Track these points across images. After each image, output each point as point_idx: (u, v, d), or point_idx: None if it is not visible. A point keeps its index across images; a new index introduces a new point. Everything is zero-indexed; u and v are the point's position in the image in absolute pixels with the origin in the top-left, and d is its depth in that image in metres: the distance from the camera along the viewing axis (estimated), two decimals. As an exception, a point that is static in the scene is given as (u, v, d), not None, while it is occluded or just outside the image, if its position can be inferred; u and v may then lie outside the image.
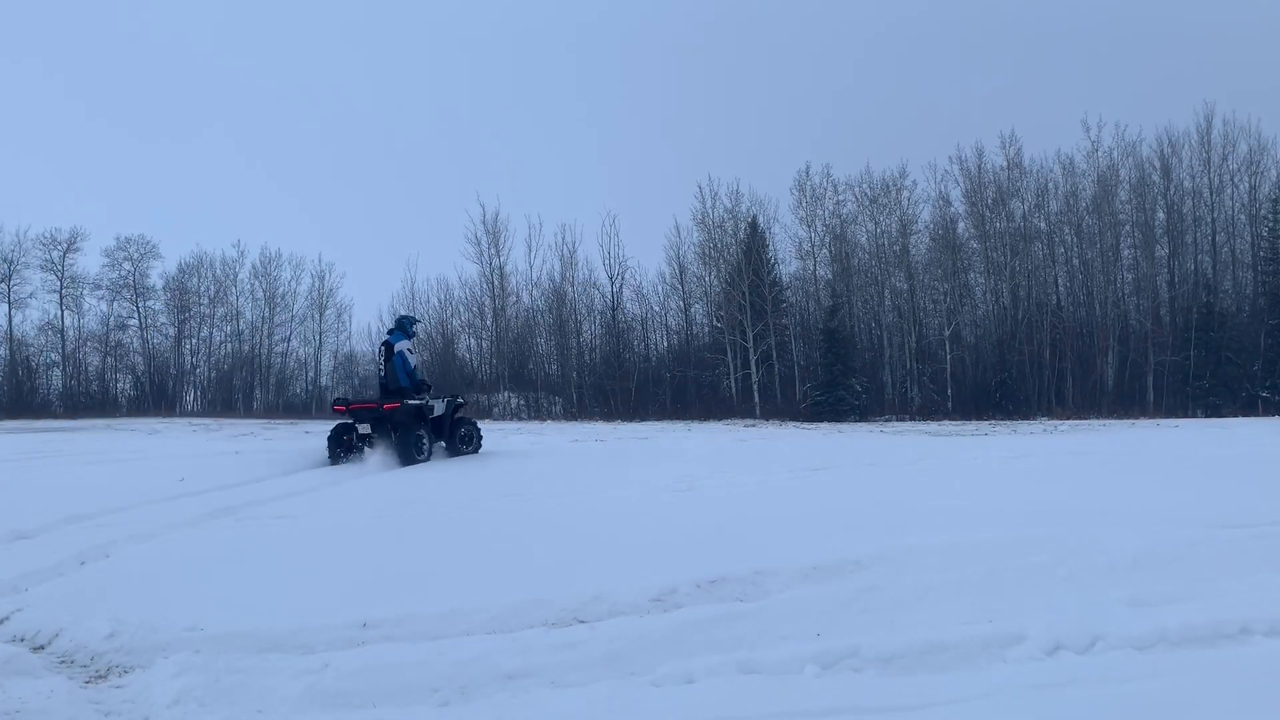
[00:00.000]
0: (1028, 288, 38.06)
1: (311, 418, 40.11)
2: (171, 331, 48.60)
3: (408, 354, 14.67)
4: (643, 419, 34.15)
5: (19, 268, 46.06)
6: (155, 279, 48.61)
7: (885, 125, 69.24)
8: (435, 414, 14.68)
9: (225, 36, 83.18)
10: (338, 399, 15.96)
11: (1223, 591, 5.10)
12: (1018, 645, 4.30)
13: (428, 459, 13.98)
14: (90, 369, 48.12)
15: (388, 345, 14.78)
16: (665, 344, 43.37)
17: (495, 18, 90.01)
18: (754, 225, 39.92)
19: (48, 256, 46.40)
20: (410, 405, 14.21)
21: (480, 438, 15.44)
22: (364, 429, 14.04)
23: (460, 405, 15.58)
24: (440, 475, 12.74)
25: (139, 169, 71.96)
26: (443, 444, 14.77)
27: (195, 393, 49.11)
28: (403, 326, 15.13)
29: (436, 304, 46.39)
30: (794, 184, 40.44)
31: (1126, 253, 37.90)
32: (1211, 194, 37.05)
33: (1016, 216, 38.54)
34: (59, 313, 46.96)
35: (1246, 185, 36.99)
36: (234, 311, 48.85)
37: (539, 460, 14.92)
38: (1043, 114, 61.59)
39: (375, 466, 13.24)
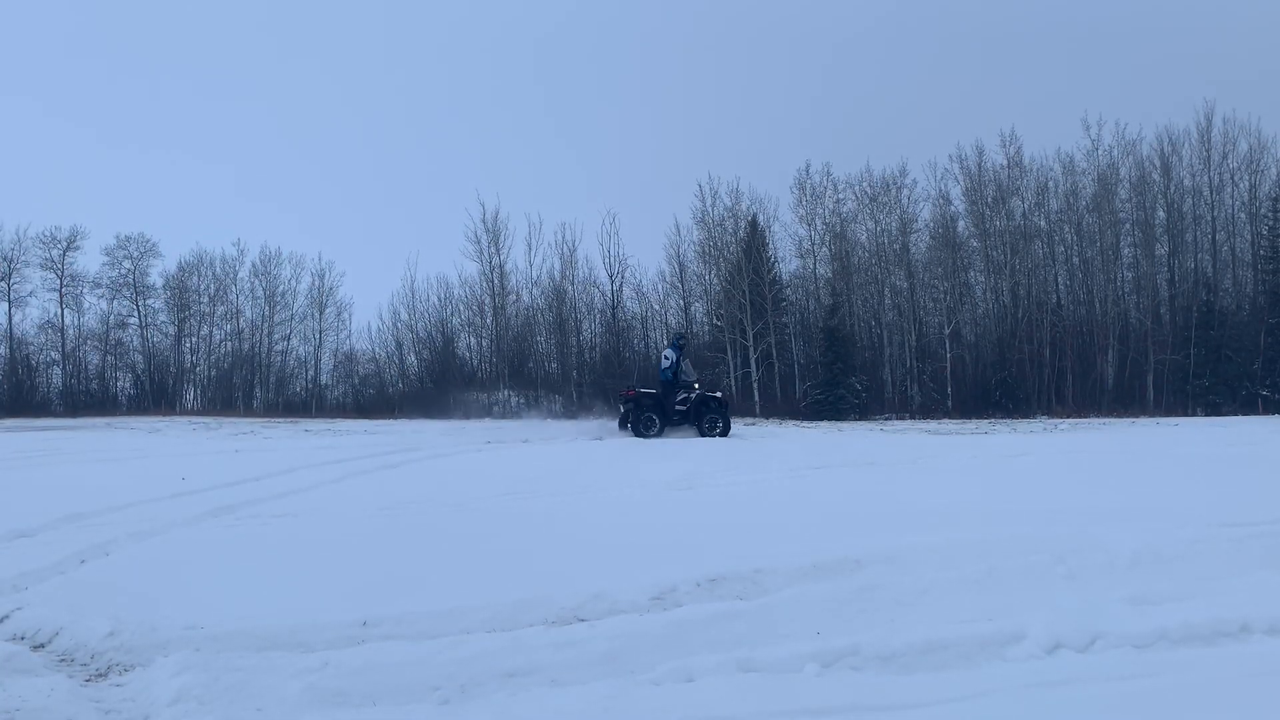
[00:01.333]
0: (1028, 286, 38.03)
1: (311, 416, 40.12)
2: (171, 330, 48.60)
3: (664, 359, 20.48)
4: (643, 417, 34.10)
5: (19, 266, 46.06)
6: (155, 277, 48.59)
7: (885, 123, 69.10)
8: (686, 404, 19.85)
9: (225, 35, 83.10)
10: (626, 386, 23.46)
11: (1223, 590, 5.10)
12: (1017, 644, 4.30)
13: (658, 435, 19.17)
14: (90, 367, 48.13)
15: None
16: (665, 342, 43.36)
17: (497, 17, 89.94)
18: (754, 224, 39.89)
19: (47, 255, 46.41)
20: (645, 393, 20.14)
21: (727, 425, 20.15)
22: (625, 408, 20.16)
23: (709, 398, 20.31)
24: (441, 474, 12.74)
25: (139, 166, 71.84)
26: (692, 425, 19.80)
27: (195, 391, 49.10)
28: (673, 340, 21.53)
29: (436, 302, 46.37)
30: (794, 182, 40.40)
31: (1126, 251, 37.87)
32: (1211, 192, 37.03)
33: (1016, 215, 38.51)
34: (59, 311, 46.97)
35: (1247, 184, 36.97)
36: (234, 310, 48.83)
37: (538, 458, 14.94)
38: (1043, 112, 61.56)
39: (623, 434, 19.67)
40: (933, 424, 27.55)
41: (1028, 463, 13.19)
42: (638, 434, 19.19)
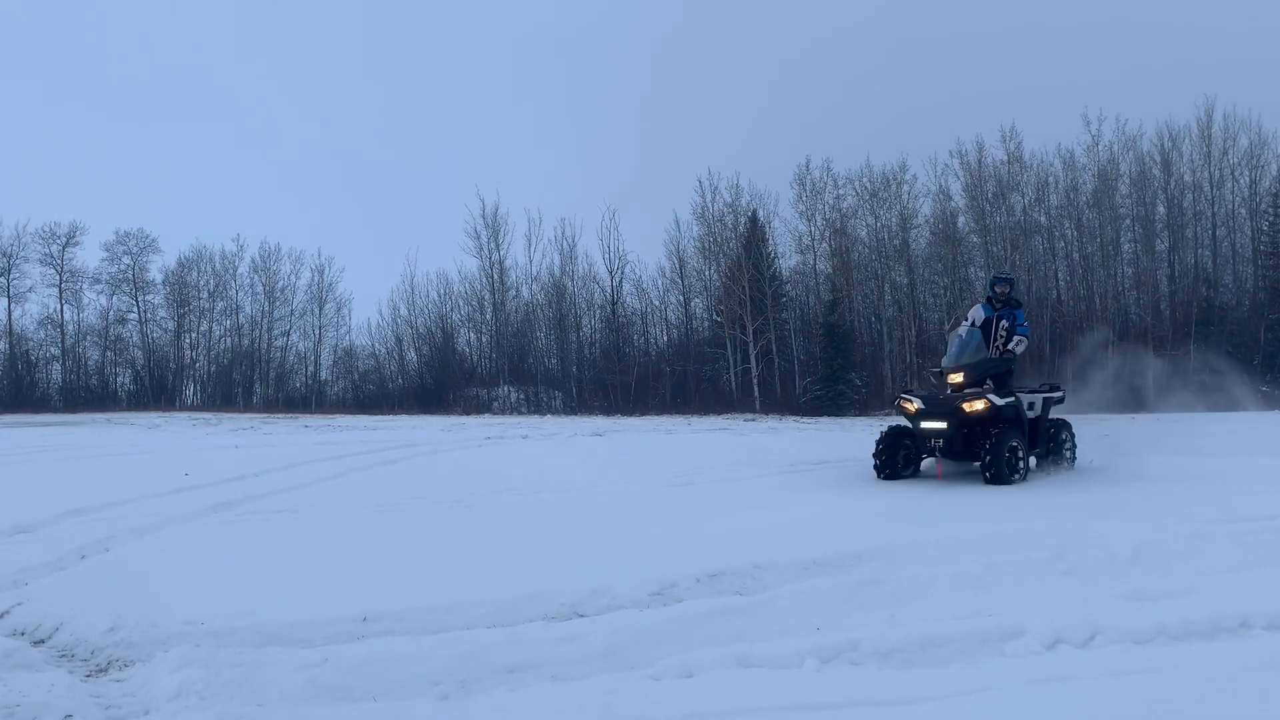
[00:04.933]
0: (1028, 282, 38.03)
1: (311, 412, 40.12)
2: (171, 326, 48.65)
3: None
4: (642, 413, 34.15)
5: (18, 261, 46.20)
6: (155, 273, 48.71)
7: (885, 119, 69.14)
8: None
9: (225, 31, 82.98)
10: None
11: (1222, 586, 5.10)
12: (1017, 639, 4.30)
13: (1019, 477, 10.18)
14: (90, 363, 48.20)
15: None
16: (665, 338, 43.39)
17: (496, 13, 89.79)
18: (754, 219, 39.92)
19: (47, 251, 46.50)
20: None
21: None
22: None
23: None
24: (440, 470, 12.75)
25: (139, 163, 71.86)
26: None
27: (195, 387, 49.18)
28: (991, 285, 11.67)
29: (436, 298, 46.46)
30: (794, 178, 40.42)
31: (1126, 247, 37.89)
32: (1212, 188, 37.01)
33: (1017, 210, 38.51)
34: (58, 307, 47.05)
35: (1247, 179, 36.96)
36: (233, 306, 48.89)
37: (538, 455, 14.94)
38: (1043, 108, 61.48)
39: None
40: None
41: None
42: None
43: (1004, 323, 11.13)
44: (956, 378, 10.53)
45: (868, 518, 7.99)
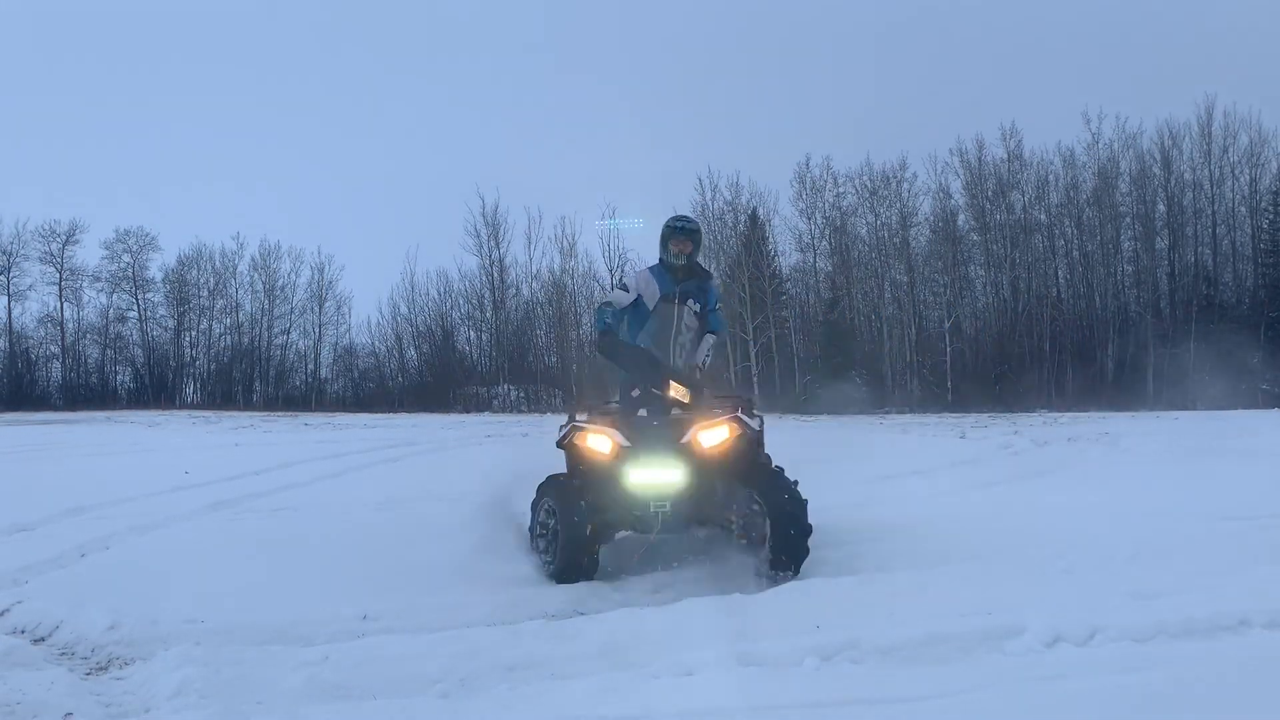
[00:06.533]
0: (1028, 280, 38.08)
1: (311, 410, 40.14)
2: (171, 324, 48.70)
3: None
4: (642, 411, 34.13)
5: (18, 260, 46.28)
6: (154, 271, 48.75)
7: (886, 117, 69.12)
8: None
9: (224, 28, 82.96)
10: None
11: (1222, 584, 5.09)
12: (1017, 637, 4.29)
13: None
14: (90, 361, 48.27)
15: None
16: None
17: (495, 11, 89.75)
18: (754, 217, 39.95)
19: (47, 249, 46.56)
20: None
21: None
22: None
23: None
24: (440, 468, 12.75)
25: (139, 161, 71.80)
26: None
27: (195, 385, 49.23)
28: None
29: (436, 296, 46.49)
30: (794, 176, 40.45)
31: (1127, 245, 37.92)
32: (1212, 186, 37.01)
33: (1017, 208, 38.54)
34: (58, 305, 47.09)
35: (1247, 177, 36.98)
36: (233, 304, 48.91)
37: (538, 453, 14.91)
38: (1043, 106, 61.54)
39: None
40: (932, 418, 27.57)
41: (1026, 457, 13.19)
42: None
43: (693, 305, 6.27)
44: (679, 391, 5.80)
45: (867, 515, 7.98)
